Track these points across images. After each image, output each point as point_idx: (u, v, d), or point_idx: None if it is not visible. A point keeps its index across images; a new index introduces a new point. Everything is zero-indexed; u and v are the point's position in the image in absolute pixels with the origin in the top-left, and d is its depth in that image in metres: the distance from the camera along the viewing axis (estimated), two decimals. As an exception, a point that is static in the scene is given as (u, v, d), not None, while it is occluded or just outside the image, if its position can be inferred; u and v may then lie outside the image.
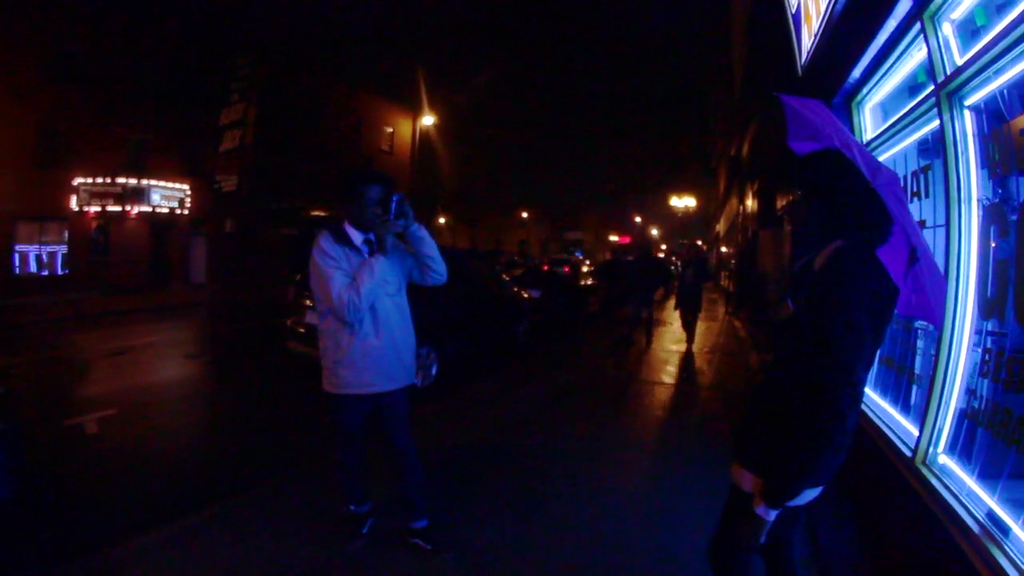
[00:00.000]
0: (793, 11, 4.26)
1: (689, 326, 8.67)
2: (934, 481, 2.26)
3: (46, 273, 16.95)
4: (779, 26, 5.05)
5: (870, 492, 2.84)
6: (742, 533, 1.47)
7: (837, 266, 1.45)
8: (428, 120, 23.40)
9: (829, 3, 3.27)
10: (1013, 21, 1.87)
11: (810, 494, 1.51)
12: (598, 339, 9.28)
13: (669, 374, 6.81)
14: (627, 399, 5.63)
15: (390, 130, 26.81)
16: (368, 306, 2.36)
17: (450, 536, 2.75)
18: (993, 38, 2.01)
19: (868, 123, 3.78)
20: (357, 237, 2.45)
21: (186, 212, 18.42)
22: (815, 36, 3.78)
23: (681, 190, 41.22)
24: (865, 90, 3.66)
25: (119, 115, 16.83)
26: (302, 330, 5.92)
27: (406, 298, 2.61)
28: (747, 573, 1.68)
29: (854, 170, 1.50)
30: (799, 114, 1.73)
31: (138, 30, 16.74)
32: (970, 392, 2.25)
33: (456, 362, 6.38)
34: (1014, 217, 2.05)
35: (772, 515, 1.41)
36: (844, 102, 3.95)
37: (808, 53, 4.03)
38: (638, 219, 53.25)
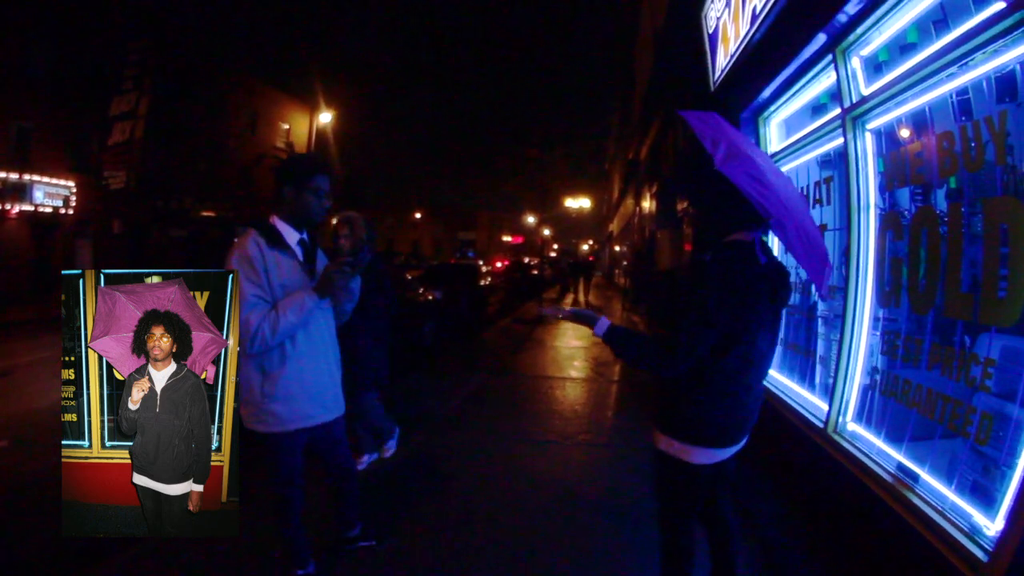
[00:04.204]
0: (711, 31, 4.69)
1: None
2: (846, 445, 2.68)
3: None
4: (692, 43, 5.52)
5: (791, 462, 3.26)
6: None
7: (704, 270, 1.69)
8: (326, 117, 22.45)
9: (749, 30, 3.68)
10: (915, 65, 2.28)
11: (721, 454, 1.77)
12: (502, 339, 9.49)
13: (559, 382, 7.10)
14: (536, 395, 5.77)
15: (286, 126, 25.45)
16: (278, 344, 1.98)
17: (386, 526, 2.81)
18: (897, 76, 2.43)
19: (773, 136, 4.30)
20: (292, 236, 2.11)
21: (71, 212, 16.30)
22: (731, 57, 4.22)
23: (576, 191, 43.26)
24: (772, 107, 4.16)
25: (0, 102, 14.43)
26: None
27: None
28: (687, 534, 1.90)
29: (717, 173, 1.62)
30: (694, 126, 1.80)
31: (24, 11, 14.46)
32: (872, 368, 2.70)
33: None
34: (907, 222, 2.50)
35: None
36: (752, 116, 4.44)
37: (723, 71, 4.48)
38: (531, 219, 54.68)
